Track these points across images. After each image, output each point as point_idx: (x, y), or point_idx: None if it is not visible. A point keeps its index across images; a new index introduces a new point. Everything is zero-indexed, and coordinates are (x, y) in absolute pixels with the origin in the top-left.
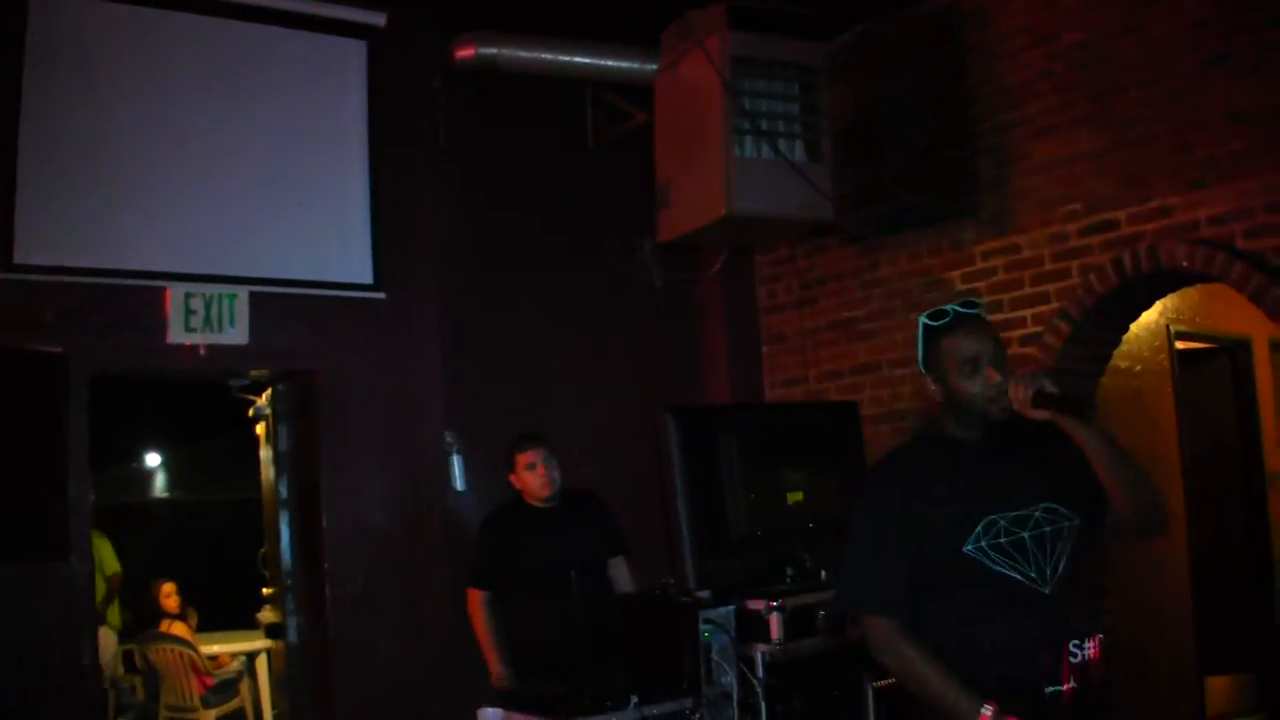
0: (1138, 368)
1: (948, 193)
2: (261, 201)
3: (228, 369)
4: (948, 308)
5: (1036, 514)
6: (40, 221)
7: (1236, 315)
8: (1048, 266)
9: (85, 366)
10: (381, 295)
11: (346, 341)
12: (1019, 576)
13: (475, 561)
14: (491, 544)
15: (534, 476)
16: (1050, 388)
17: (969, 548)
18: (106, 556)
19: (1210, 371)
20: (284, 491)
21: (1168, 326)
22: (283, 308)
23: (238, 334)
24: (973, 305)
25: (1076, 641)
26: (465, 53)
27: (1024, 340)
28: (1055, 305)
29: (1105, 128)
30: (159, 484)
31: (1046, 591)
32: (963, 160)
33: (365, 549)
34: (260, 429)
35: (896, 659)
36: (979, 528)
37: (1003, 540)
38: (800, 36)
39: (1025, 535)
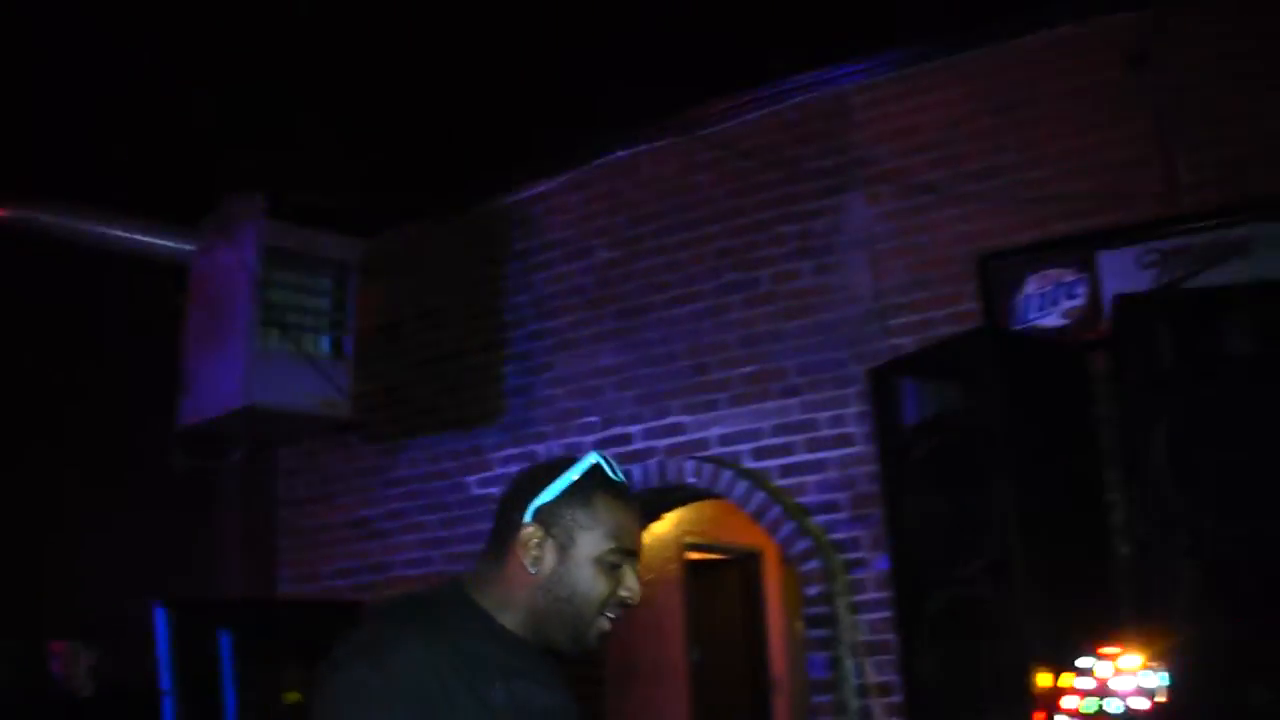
0: (649, 577)
1: (471, 397)
2: None
3: None
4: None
5: None
6: None
7: (749, 528)
8: None
9: None
10: None
11: None
12: None
13: None
14: None
15: None
16: None
17: None
18: None
19: (722, 581)
20: None
21: (681, 538)
22: None
23: None
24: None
25: None
26: None
27: None
28: None
29: (628, 344)
30: None
31: None
32: (489, 366)
33: None
34: None
35: None
36: None
37: None
38: (339, 231)
39: None
